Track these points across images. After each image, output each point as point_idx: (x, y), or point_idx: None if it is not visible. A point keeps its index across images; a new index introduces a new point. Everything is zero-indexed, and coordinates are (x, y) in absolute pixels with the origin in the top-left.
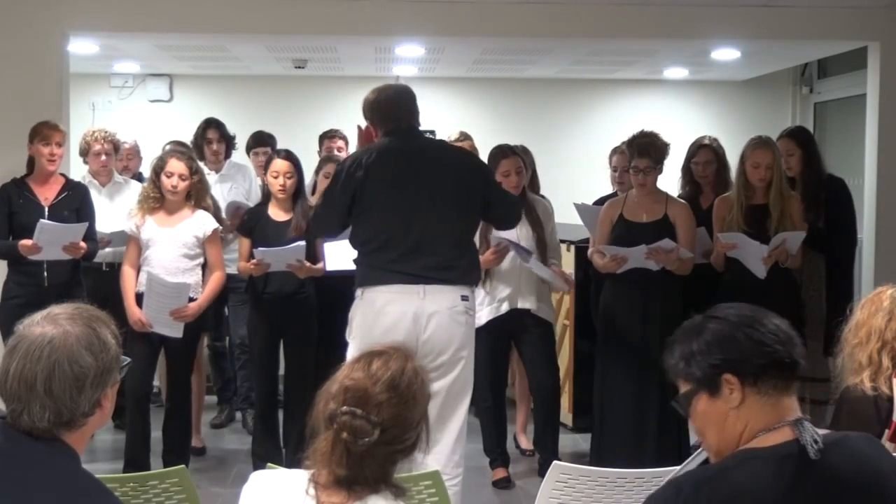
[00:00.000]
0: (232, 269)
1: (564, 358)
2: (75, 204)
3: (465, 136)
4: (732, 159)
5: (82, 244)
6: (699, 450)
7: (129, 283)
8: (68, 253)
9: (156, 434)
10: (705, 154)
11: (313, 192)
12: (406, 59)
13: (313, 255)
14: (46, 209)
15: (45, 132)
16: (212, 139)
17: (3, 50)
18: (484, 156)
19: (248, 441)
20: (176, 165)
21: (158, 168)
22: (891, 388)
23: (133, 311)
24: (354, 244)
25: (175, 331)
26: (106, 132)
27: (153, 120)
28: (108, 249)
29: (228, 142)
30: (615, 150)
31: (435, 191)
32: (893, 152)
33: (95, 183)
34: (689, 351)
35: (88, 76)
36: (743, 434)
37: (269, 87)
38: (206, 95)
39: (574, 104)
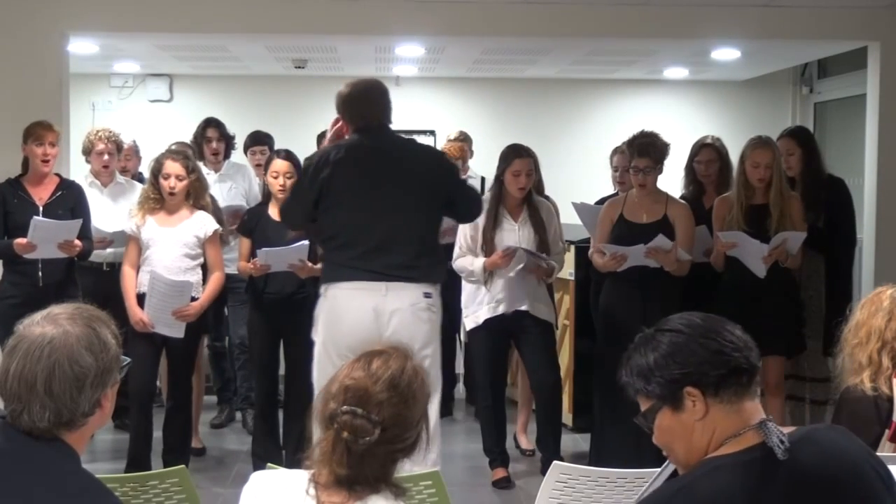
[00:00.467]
0: (232, 269)
1: (564, 358)
2: (70, 203)
3: (464, 136)
4: (732, 159)
5: (77, 242)
6: (665, 463)
7: (130, 283)
8: (63, 251)
9: (156, 434)
10: (708, 153)
11: None
12: (406, 59)
13: (315, 255)
14: (41, 209)
15: (39, 132)
16: (211, 138)
17: (2, 50)
18: (485, 156)
19: (248, 441)
20: (172, 167)
21: (156, 171)
22: (891, 389)
23: (135, 312)
24: (320, 240)
25: (177, 331)
26: (110, 132)
27: (153, 120)
28: (108, 250)
29: (228, 141)
30: (616, 150)
31: (400, 190)
32: (893, 152)
33: (97, 183)
34: (647, 367)
35: (88, 76)
36: (710, 444)
37: (269, 87)
38: (206, 95)
39: (574, 104)
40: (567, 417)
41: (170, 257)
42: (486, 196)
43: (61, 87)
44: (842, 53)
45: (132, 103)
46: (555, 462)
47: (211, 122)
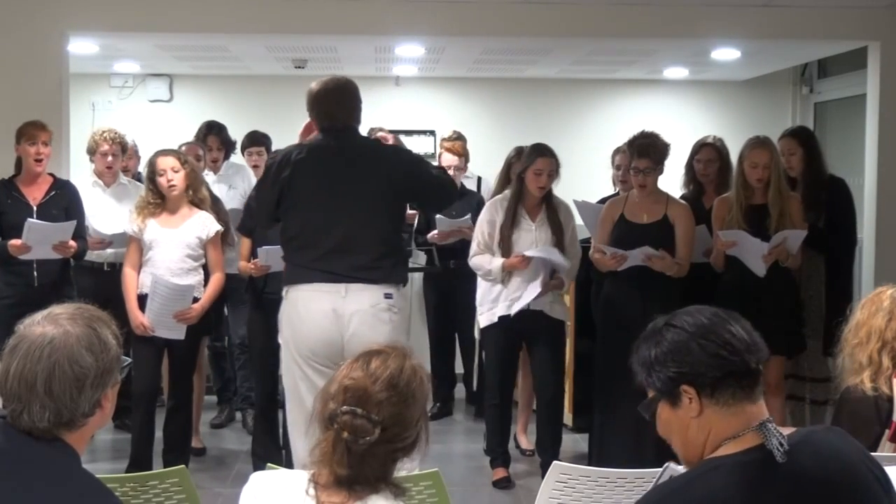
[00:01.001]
0: (232, 269)
1: (565, 358)
2: (64, 203)
3: (458, 136)
4: (733, 160)
5: (72, 243)
6: (665, 465)
7: (131, 285)
8: (58, 252)
9: (156, 433)
10: (707, 152)
11: None
12: (406, 59)
13: None
14: (35, 209)
15: (32, 132)
16: (211, 146)
17: (2, 50)
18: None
19: (248, 441)
20: (164, 162)
21: (151, 172)
22: (891, 388)
23: (135, 315)
24: (281, 241)
25: (177, 333)
26: (115, 133)
27: (153, 120)
28: (108, 251)
29: (228, 148)
30: (618, 150)
31: (361, 191)
32: (893, 152)
33: (100, 183)
34: (649, 360)
35: (88, 76)
36: (706, 442)
37: (269, 87)
38: (206, 95)
39: (574, 104)
40: (567, 417)
41: (172, 258)
42: (484, 196)
43: (61, 87)
44: (842, 53)
45: (132, 103)
46: (555, 462)
47: (212, 129)
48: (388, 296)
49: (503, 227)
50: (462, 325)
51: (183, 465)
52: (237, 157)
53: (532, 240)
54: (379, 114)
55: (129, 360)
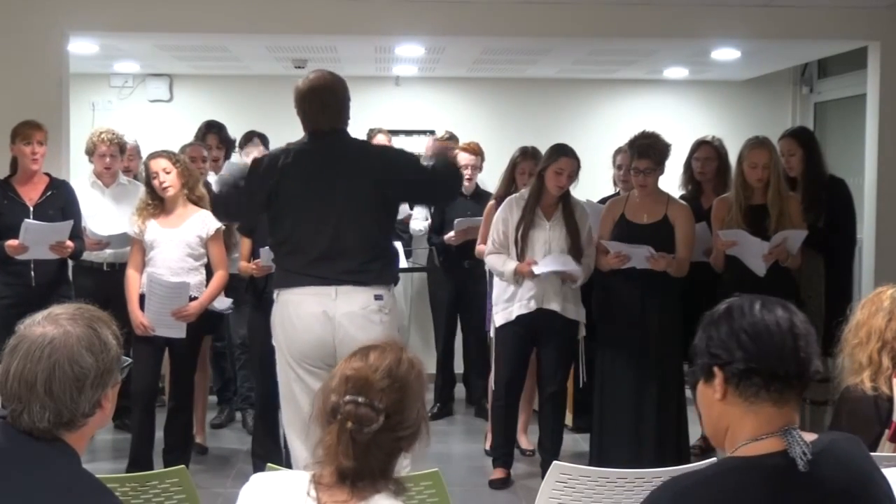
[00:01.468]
0: (232, 269)
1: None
2: (60, 202)
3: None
4: (732, 159)
5: (69, 243)
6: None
7: (134, 286)
8: (55, 252)
9: (157, 433)
10: (705, 151)
11: None
12: (406, 59)
13: None
14: (31, 209)
15: (26, 131)
16: (211, 146)
17: (2, 50)
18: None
19: (248, 441)
20: (156, 164)
21: (147, 176)
22: (891, 388)
23: (136, 315)
24: (270, 245)
25: (178, 332)
26: (113, 134)
27: (153, 120)
28: (107, 251)
29: (228, 146)
30: (619, 150)
31: (349, 196)
32: (893, 152)
33: (99, 184)
34: (707, 334)
35: (88, 76)
36: (727, 433)
37: (269, 87)
38: (206, 95)
39: (574, 104)
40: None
41: (173, 258)
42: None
43: (61, 86)
44: (842, 53)
45: (132, 103)
46: (555, 462)
47: (212, 128)
48: (378, 297)
49: (518, 225)
50: (470, 325)
51: (183, 465)
52: (237, 157)
53: (546, 239)
54: (379, 114)
55: (130, 360)
